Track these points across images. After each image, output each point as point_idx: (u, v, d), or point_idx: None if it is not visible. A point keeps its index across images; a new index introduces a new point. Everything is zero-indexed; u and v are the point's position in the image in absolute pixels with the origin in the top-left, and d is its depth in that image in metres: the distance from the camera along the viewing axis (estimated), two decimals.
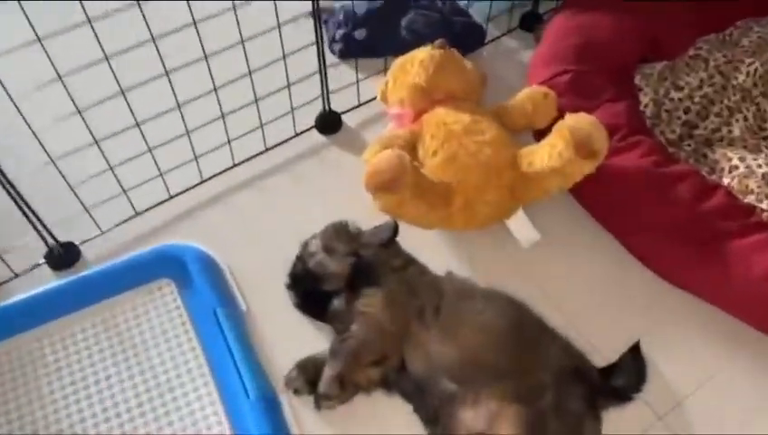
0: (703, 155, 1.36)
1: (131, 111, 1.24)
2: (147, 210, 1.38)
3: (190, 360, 1.17)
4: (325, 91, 1.48)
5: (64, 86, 1.15)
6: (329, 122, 1.53)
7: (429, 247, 1.30)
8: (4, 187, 1.16)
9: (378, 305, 1.11)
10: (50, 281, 1.28)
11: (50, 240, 1.29)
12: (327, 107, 1.51)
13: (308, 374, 1.14)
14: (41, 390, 1.14)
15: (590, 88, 1.38)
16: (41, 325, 1.21)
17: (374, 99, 1.52)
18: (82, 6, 1.07)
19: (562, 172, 1.22)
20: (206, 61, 1.25)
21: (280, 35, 1.31)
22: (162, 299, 1.24)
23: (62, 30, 1.17)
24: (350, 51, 1.66)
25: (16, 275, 1.29)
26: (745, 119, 1.39)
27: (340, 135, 1.53)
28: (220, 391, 1.13)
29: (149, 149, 1.31)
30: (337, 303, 1.17)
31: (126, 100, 1.22)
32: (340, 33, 1.67)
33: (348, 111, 1.56)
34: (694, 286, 1.21)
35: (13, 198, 1.18)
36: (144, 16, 1.13)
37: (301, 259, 1.22)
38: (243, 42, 1.27)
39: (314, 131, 1.53)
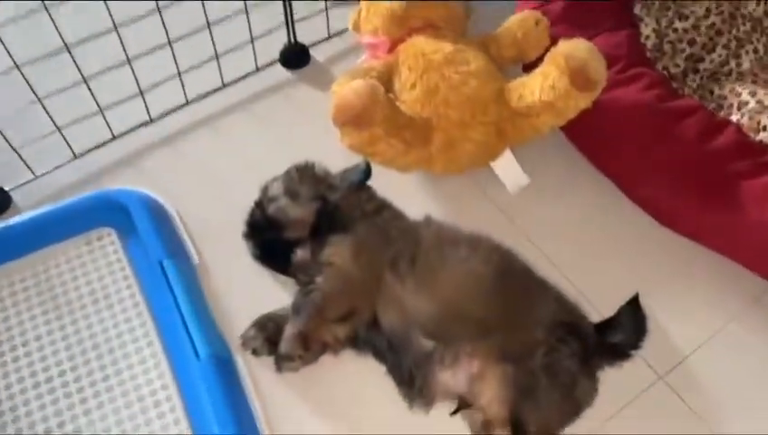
0: (709, 91, 1.23)
1: (62, 38, 1.08)
2: (87, 153, 1.23)
3: (133, 317, 1.03)
4: (290, 20, 1.32)
5: None
6: (294, 56, 1.39)
7: (406, 193, 1.17)
8: None
9: (345, 254, 0.98)
10: None
11: None
12: (292, 38, 1.36)
13: (267, 333, 1.01)
14: None
15: (586, 17, 1.24)
16: None
17: (346, 30, 1.36)
18: None
19: (556, 107, 1.09)
20: None
21: None
22: (102, 250, 1.10)
23: None
24: None
25: None
26: (755, 51, 1.26)
27: (307, 70, 1.39)
28: (166, 352, 1.00)
29: (85, 81, 1.15)
30: (301, 253, 1.04)
31: (56, 26, 1.06)
32: None
33: (316, 43, 1.40)
34: (699, 234, 1.09)
35: None
36: None
37: (260, 205, 1.08)
38: None
39: (278, 66, 1.39)
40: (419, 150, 1.12)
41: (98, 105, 1.19)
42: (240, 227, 1.09)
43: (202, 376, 0.94)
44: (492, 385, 0.90)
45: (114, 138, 1.24)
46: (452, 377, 0.93)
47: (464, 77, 1.12)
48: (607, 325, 1.01)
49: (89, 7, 1.13)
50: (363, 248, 0.99)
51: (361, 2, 1.29)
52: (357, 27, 1.29)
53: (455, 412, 0.95)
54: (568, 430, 0.93)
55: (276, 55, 1.38)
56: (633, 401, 0.99)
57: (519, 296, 0.96)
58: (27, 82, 1.10)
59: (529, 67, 1.20)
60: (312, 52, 1.39)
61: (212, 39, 1.24)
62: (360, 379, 1.00)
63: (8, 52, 1.05)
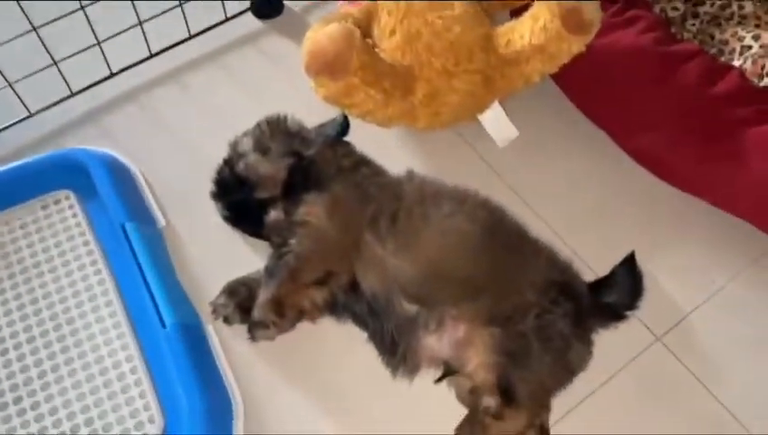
0: (709, 35, 1.15)
1: None
2: (42, 110, 1.14)
3: (94, 285, 0.96)
4: None
5: None
6: (267, 4, 1.30)
7: (388, 150, 1.10)
8: None
9: (320, 213, 0.91)
10: None
11: None
12: None
13: (239, 299, 0.94)
14: None
15: None
16: None
17: None
18: None
19: (546, 51, 1.01)
20: None
21: None
22: (60, 214, 1.02)
23: None
24: None
25: None
26: None
27: (280, 20, 1.30)
28: (130, 321, 0.93)
29: (35, 30, 1.05)
30: (274, 213, 0.97)
31: None
32: None
33: None
34: (699, 187, 1.03)
35: None
36: None
37: (228, 162, 1.00)
38: None
39: (249, 15, 1.30)
40: (401, 102, 1.04)
41: (52, 58, 1.09)
42: (209, 187, 1.02)
43: (168, 346, 0.88)
44: (479, 350, 0.84)
45: (72, 94, 1.15)
46: (437, 342, 0.87)
47: (447, 22, 1.03)
48: (601, 285, 0.95)
49: None
50: (339, 206, 0.91)
51: None
52: None
53: (440, 380, 0.89)
54: (561, 395, 0.88)
55: (247, 4, 1.29)
56: (629, 363, 0.94)
57: (508, 255, 0.89)
58: None
59: (517, 12, 1.11)
60: (285, 0, 1.30)
61: None
62: (339, 347, 0.94)
63: None
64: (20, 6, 1.01)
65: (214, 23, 1.24)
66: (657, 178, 1.08)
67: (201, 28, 1.23)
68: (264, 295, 0.90)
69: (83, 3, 1.06)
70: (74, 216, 1.01)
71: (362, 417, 0.90)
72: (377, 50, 1.04)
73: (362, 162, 1.00)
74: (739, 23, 1.16)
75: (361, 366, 0.92)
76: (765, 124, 0.97)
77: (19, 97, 1.10)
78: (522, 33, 1.02)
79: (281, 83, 1.18)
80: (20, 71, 1.09)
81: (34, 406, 0.87)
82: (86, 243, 0.99)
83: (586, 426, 0.89)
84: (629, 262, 0.97)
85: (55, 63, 1.10)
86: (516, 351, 0.83)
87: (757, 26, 1.15)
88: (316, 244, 0.90)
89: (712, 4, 1.18)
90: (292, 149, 0.98)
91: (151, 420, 0.86)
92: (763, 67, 1.05)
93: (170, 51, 1.21)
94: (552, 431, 0.87)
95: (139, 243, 0.96)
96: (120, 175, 1.05)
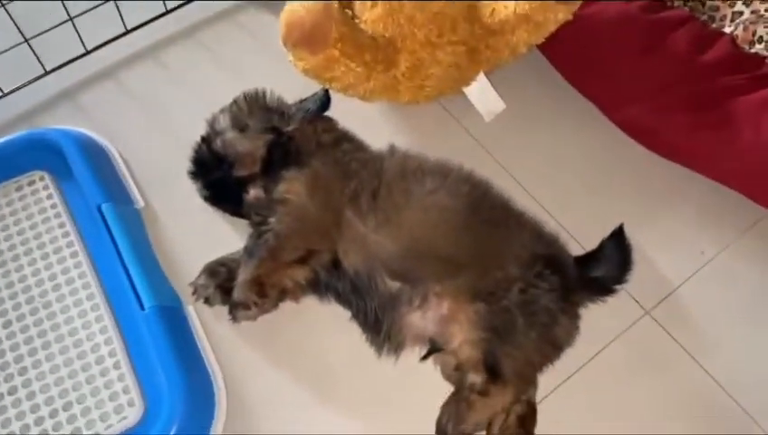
0: (700, 2, 1.12)
1: None
2: (15, 89, 1.11)
3: (71, 267, 0.94)
4: None
5: None
6: None
7: (371, 125, 1.07)
8: None
9: (300, 190, 0.89)
10: None
11: None
12: None
13: (219, 280, 0.92)
14: None
15: None
16: None
17: None
18: None
19: (532, 20, 0.99)
20: None
21: None
22: (35, 195, 0.99)
23: None
24: None
25: None
26: None
27: None
28: (108, 304, 0.91)
29: (3, 7, 1.02)
30: (254, 192, 0.95)
31: None
32: None
33: None
34: (688, 157, 1.01)
35: None
36: None
37: (206, 140, 0.98)
38: None
39: None
40: (383, 75, 1.01)
41: (23, 36, 1.06)
42: (188, 166, 0.99)
43: (147, 329, 0.86)
44: (463, 327, 0.82)
45: (46, 72, 1.12)
46: (421, 319, 0.85)
47: None
48: (589, 259, 0.93)
49: None
50: (320, 183, 0.89)
51: None
52: None
53: (425, 357, 0.88)
54: (548, 370, 0.86)
55: None
56: (617, 338, 0.93)
57: (492, 230, 0.87)
58: None
59: None
60: None
61: None
62: (323, 327, 0.92)
63: None
64: None
65: None
66: (645, 149, 1.06)
67: (177, 3, 1.19)
68: (244, 275, 0.88)
69: None
70: (49, 197, 0.99)
71: (347, 397, 0.88)
72: (357, 21, 1.01)
73: (344, 138, 0.98)
74: None
75: (345, 346, 0.91)
76: (756, 92, 0.95)
77: None
78: (506, 1, 0.99)
79: (261, 58, 1.15)
80: None
81: (12, 391, 0.85)
82: (62, 225, 0.97)
83: (574, 401, 0.88)
84: (618, 235, 0.95)
85: (27, 41, 1.06)
86: (501, 326, 0.81)
87: None
88: (296, 222, 0.88)
89: None
90: (271, 125, 0.95)
91: (131, 404, 0.84)
92: (754, 34, 1.03)
93: (146, 27, 1.17)
94: (540, 407, 0.86)
95: (116, 224, 0.94)
96: (95, 155, 1.02)
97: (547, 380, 0.87)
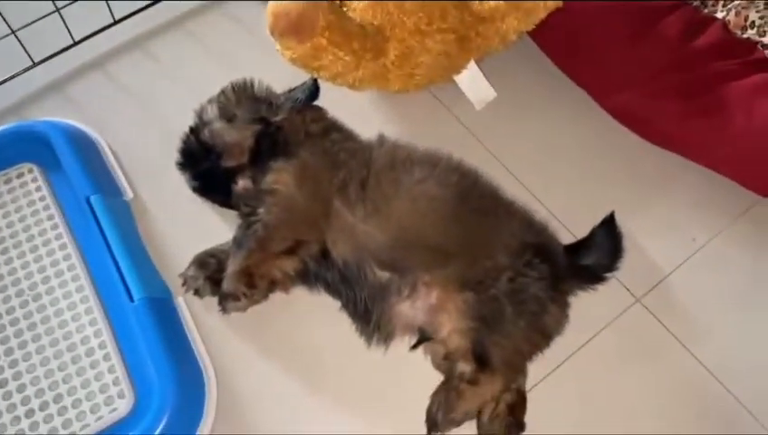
0: None
1: None
2: (3, 82, 1.10)
3: (60, 260, 0.93)
4: None
5: None
6: None
7: (361, 114, 1.07)
8: None
9: (288, 180, 0.88)
10: None
11: None
12: None
13: (209, 271, 0.92)
14: None
15: None
16: None
17: None
18: None
19: (522, 7, 0.98)
20: None
21: None
22: (23, 188, 0.99)
23: None
24: None
25: None
26: None
27: None
28: (98, 296, 0.91)
29: None
30: (242, 182, 0.94)
31: None
32: None
33: None
34: (680, 144, 1.01)
35: None
36: None
37: (194, 131, 0.97)
38: None
39: None
40: (372, 63, 1.00)
41: (9, 27, 1.05)
42: (176, 157, 0.99)
43: (137, 320, 0.86)
44: (452, 316, 0.82)
45: (34, 64, 1.11)
46: (410, 309, 0.85)
47: None
48: (580, 247, 0.93)
49: None
50: (308, 173, 0.88)
51: None
52: None
53: (415, 346, 0.88)
54: (538, 359, 0.86)
55: None
56: (608, 326, 0.92)
57: (481, 219, 0.87)
58: None
59: None
60: None
61: None
62: (313, 318, 0.92)
63: None
64: None
65: None
66: (637, 136, 1.05)
67: None
68: (232, 266, 0.88)
69: None
70: (38, 189, 0.99)
71: (337, 387, 0.88)
72: (345, 9, 1.00)
73: (332, 127, 0.97)
74: None
75: (335, 337, 0.91)
76: (748, 77, 0.94)
77: None
78: None
79: (249, 48, 1.14)
80: None
81: (2, 383, 0.85)
82: (51, 217, 0.96)
83: (564, 389, 0.88)
84: (609, 223, 0.94)
85: (14, 33, 1.05)
86: (489, 315, 0.81)
87: None
88: (285, 212, 0.87)
89: None
90: (259, 115, 0.95)
91: (121, 395, 0.84)
92: (746, 19, 1.01)
93: (134, 17, 1.16)
94: (530, 395, 0.86)
95: (105, 216, 0.94)
96: (84, 147, 1.02)
97: (537, 368, 0.87)
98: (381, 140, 0.94)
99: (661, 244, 0.98)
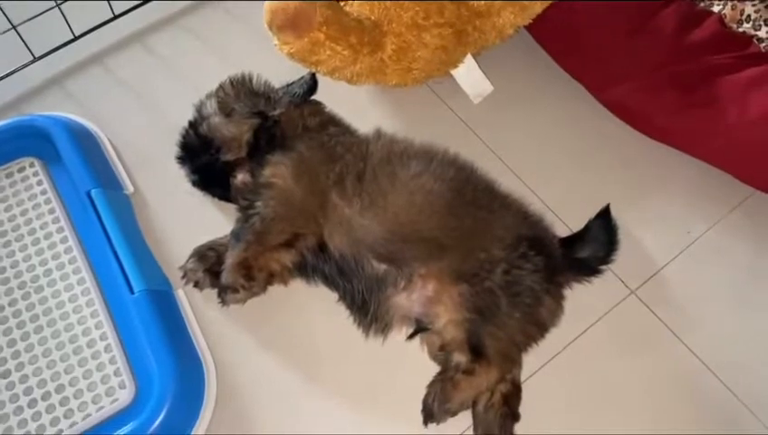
0: None
1: None
2: (4, 76, 1.11)
3: (61, 253, 0.95)
4: None
5: None
6: None
7: (359, 108, 1.07)
8: None
9: (285, 174, 0.89)
10: None
11: None
12: None
13: (208, 263, 0.93)
14: None
15: None
16: None
17: None
18: None
19: (518, 2, 0.98)
20: None
21: None
22: (25, 182, 1.00)
23: None
24: None
25: None
26: None
27: None
28: (99, 288, 0.92)
29: None
30: (241, 176, 0.95)
31: None
32: None
33: None
34: (675, 137, 1.01)
35: None
36: None
37: (193, 125, 0.98)
38: None
39: None
40: (369, 58, 1.00)
41: (10, 22, 1.06)
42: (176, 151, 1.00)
43: (137, 312, 0.87)
44: (448, 308, 0.83)
45: (35, 59, 1.12)
46: (407, 300, 0.86)
47: None
48: (575, 239, 0.94)
49: None
50: (305, 167, 0.89)
51: None
52: None
53: (411, 336, 0.89)
54: (534, 350, 0.87)
55: None
56: (602, 317, 0.93)
57: (476, 212, 0.88)
58: None
59: None
60: None
61: None
62: (312, 310, 0.93)
63: None
64: None
65: None
66: (632, 129, 1.06)
67: None
68: (231, 259, 0.89)
69: None
70: (39, 183, 1.00)
71: (335, 379, 0.90)
72: (342, 4, 1.01)
73: (330, 121, 0.98)
74: None
75: (333, 329, 0.92)
76: (742, 71, 0.94)
77: None
78: None
79: (248, 43, 1.15)
80: None
81: (5, 374, 0.86)
82: (52, 211, 0.98)
83: (559, 381, 0.89)
84: (605, 215, 0.95)
85: (14, 28, 1.06)
86: (485, 307, 0.82)
87: None
88: (282, 205, 0.88)
89: None
90: (258, 109, 0.96)
91: (122, 386, 0.86)
92: (742, 12, 1.02)
93: (134, 12, 1.17)
94: (525, 386, 0.87)
95: (106, 209, 0.95)
96: (84, 141, 1.03)
97: (532, 359, 0.88)
98: (378, 133, 0.95)
99: (656, 236, 0.99)
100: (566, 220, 0.99)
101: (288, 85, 1.01)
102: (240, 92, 0.97)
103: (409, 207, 0.87)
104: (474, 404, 0.85)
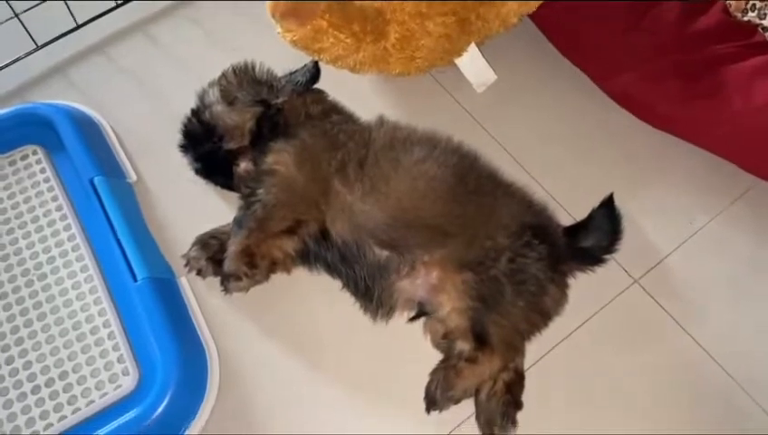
0: None
1: None
2: (7, 65, 1.11)
3: (64, 240, 0.95)
4: None
5: None
6: None
7: (362, 97, 1.07)
8: None
9: (288, 161, 0.89)
10: None
11: None
12: None
13: (211, 251, 0.93)
14: None
15: None
16: None
17: None
18: None
19: None
20: None
21: None
22: (28, 169, 1.00)
23: None
24: None
25: None
26: None
27: None
28: (102, 276, 0.92)
29: None
30: (244, 164, 0.95)
31: None
32: None
33: None
34: (679, 126, 1.01)
35: None
36: None
37: (196, 113, 0.98)
38: None
39: None
40: (372, 46, 1.00)
41: (13, 11, 1.06)
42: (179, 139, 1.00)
43: (140, 300, 0.88)
44: (451, 296, 0.83)
45: (38, 47, 1.12)
46: (410, 285, 0.86)
47: None
48: (579, 228, 0.93)
49: None
50: (307, 154, 0.89)
51: None
52: None
53: (413, 319, 0.89)
54: (537, 339, 0.87)
55: None
56: (605, 306, 0.93)
57: (480, 200, 0.87)
58: None
59: None
60: None
61: None
62: (314, 298, 0.93)
63: None
64: None
65: None
66: (636, 118, 1.06)
67: None
68: (233, 247, 0.89)
69: None
70: (42, 171, 1.00)
71: (338, 367, 0.90)
72: None
73: (333, 109, 0.98)
74: None
75: (337, 317, 0.92)
76: (747, 60, 0.94)
77: None
78: None
79: (251, 31, 1.14)
80: None
81: (9, 360, 0.87)
82: (55, 198, 0.98)
83: (563, 369, 0.89)
84: (608, 205, 0.95)
85: (17, 16, 1.06)
86: (489, 295, 0.82)
87: None
88: (284, 192, 0.88)
89: None
90: (260, 97, 0.95)
91: (125, 373, 0.86)
92: (747, 1, 1.01)
93: (137, 0, 1.17)
94: (528, 374, 0.87)
95: (109, 197, 0.95)
96: (87, 129, 1.03)
97: (535, 348, 0.88)
98: (381, 120, 0.95)
99: (659, 226, 0.99)
100: (569, 209, 0.99)
101: (291, 74, 1.01)
102: (243, 81, 0.97)
103: (412, 192, 0.86)
104: (476, 392, 0.85)
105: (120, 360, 0.87)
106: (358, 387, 0.88)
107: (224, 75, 0.98)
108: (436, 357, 0.87)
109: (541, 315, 0.87)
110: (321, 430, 0.86)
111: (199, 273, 0.94)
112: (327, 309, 0.93)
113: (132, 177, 1.02)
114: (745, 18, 1.01)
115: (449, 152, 0.90)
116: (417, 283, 0.85)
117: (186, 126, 0.98)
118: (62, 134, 1.00)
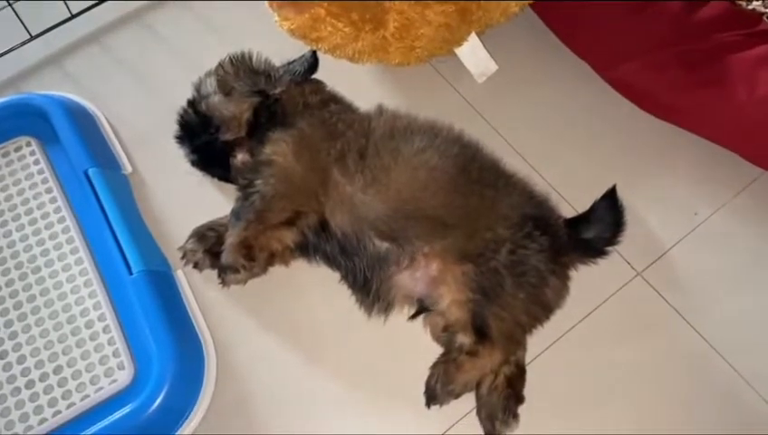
0: None
1: None
2: (1, 55, 1.10)
3: (59, 233, 0.94)
4: None
5: None
6: None
7: (362, 87, 1.06)
8: None
9: (286, 151, 0.87)
10: None
11: None
12: None
13: (208, 244, 0.92)
14: None
15: None
16: None
17: None
18: None
19: None
20: None
21: None
22: (21, 161, 0.99)
23: None
24: None
25: None
26: None
27: None
28: (97, 269, 0.91)
29: None
30: (241, 156, 0.94)
31: None
32: None
33: None
34: (682, 116, 0.99)
35: None
36: None
37: (192, 104, 0.96)
38: None
39: None
40: (371, 35, 0.99)
41: (6, 0, 1.04)
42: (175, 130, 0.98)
43: (135, 293, 0.86)
44: (451, 288, 0.82)
45: (32, 37, 1.10)
46: (410, 279, 0.85)
47: None
48: (581, 220, 0.92)
49: None
50: (305, 144, 0.87)
51: None
52: None
53: (414, 316, 0.87)
54: (539, 332, 0.86)
55: None
56: (608, 299, 0.92)
57: (481, 191, 0.86)
58: None
59: None
60: None
61: None
62: (312, 292, 0.92)
63: None
64: None
65: None
66: (639, 108, 1.04)
67: None
68: (231, 238, 0.87)
69: None
70: (36, 163, 0.98)
71: (336, 360, 0.89)
72: None
73: (331, 99, 0.96)
74: None
75: (335, 310, 0.91)
76: (751, 49, 0.92)
77: None
78: None
79: (248, 21, 1.13)
80: None
81: (2, 355, 0.86)
82: (49, 190, 0.96)
83: (564, 363, 0.88)
84: (611, 196, 0.93)
85: (10, 5, 1.05)
86: (489, 287, 0.81)
87: None
88: (282, 183, 0.86)
89: None
90: (258, 88, 0.94)
91: (121, 367, 0.85)
92: None
93: None
94: (529, 368, 0.86)
95: (104, 189, 0.94)
96: (82, 120, 1.01)
97: (537, 341, 0.87)
98: (380, 109, 0.93)
99: (662, 218, 0.97)
100: (571, 201, 0.98)
101: (289, 63, 0.99)
102: (240, 71, 0.95)
103: (412, 183, 0.85)
104: (477, 386, 0.84)
105: (115, 354, 0.86)
106: (357, 381, 0.87)
107: (220, 65, 0.96)
108: (436, 351, 0.85)
109: (542, 308, 0.85)
110: (319, 424, 0.85)
111: (196, 265, 0.93)
112: (326, 302, 0.91)
113: (128, 168, 1.01)
114: (750, 6, 0.99)
115: (450, 142, 0.88)
116: (416, 276, 0.84)
117: (182, 117, 0.96)
118: (56, 125, 0.98)
